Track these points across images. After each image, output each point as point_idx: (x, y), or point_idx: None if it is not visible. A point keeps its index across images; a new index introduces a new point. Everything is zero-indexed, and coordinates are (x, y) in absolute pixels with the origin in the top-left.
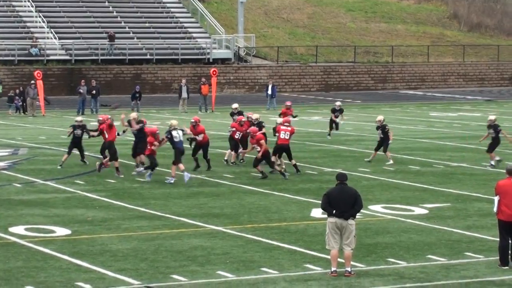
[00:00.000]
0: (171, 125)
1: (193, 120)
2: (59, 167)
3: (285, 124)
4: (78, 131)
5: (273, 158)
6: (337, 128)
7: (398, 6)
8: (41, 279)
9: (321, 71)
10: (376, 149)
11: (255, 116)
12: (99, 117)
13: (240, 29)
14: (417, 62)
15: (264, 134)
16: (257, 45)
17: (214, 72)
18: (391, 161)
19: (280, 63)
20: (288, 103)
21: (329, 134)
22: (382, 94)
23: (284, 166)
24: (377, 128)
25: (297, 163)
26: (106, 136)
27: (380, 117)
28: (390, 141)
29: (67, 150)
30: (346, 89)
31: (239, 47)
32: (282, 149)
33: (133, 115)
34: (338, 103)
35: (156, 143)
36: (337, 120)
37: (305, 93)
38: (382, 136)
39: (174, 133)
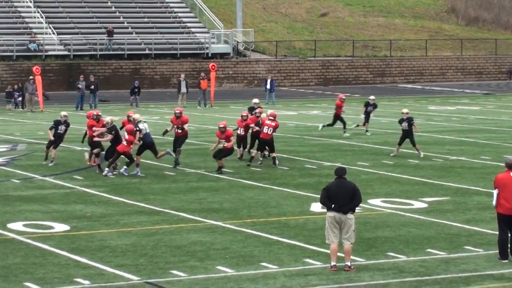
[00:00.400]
0: (134, 119)
1: (177, 111)
2: (50, 164)
3: (270, 118)
4: (62, 127)
5: (253, 153)
6: (367, 121)
7: (396, 0)
8: (40, 275)
9: (320, 65)
10: (400, 143)
11: (263, 115)
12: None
13: (239, 24)
14: (415, 56)
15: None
16: (255, 39)
17: (213, 67)
18: (422, 154)
19: (279, 58)
20: (343, 96)
21: (367, 130)
22: (381, 88)
23: (277, 161)
24: (402, 121)
25: (297, 157)
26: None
27: (406, 110)
28: (416, 132)
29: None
30: (345, 83)
31: (237, 41)
32: (265, 143)
33: (107, 120)
34: (372, 97)
35: (136, 141)
36: (371, 115)
37: (303, 88)
38: (407, 128)
39: (140, 126)
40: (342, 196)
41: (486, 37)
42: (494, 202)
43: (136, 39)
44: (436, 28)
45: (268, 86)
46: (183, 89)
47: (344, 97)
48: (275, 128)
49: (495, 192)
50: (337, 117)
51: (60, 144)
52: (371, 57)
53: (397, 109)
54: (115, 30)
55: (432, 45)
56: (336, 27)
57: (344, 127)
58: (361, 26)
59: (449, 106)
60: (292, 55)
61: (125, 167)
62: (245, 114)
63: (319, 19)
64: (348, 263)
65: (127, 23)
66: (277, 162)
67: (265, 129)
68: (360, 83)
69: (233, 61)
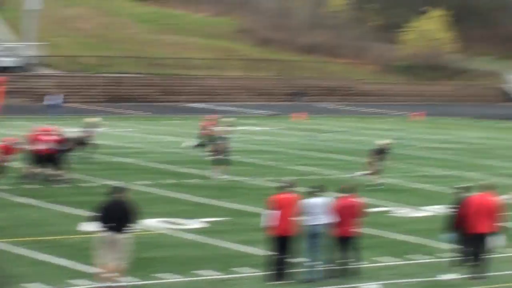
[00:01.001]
0: None
1: None
2: None
3: (46, 133)
4: None
5: (27, 169)
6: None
7: (190, 19)
8: None
9: (109, 82)
10: (219, 163)
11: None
12: None
13: (30, 37)
14: (206, 75)
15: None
16: (46, 53)
17: (1, 81)
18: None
19: (68, 73)
20: (212, 117)
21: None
22: (170, 106)
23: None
24: (219, 139)
25: (77, 176)
26: None
27: (226, 128)
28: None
29: None
30: (135, 100)
31: (27, 55)
32: (42, 158)
33: None
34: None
35: None
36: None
37: (92, 104)
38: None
39: None
40: (117, 215)
41: (276, 58)
42: (265, 223)
43: None
44: (228, 48)
45: (54, 102)
46: None
47: (214, 117)
48: (52, 142)
49: (267, 212)
50: (205, 138)
51: None
52: (162, 75)
53: (187, 128)
54: None
55: (223, 65)
56: (129, 44)
57: (201, 147)
58: (154, 43)
59: (236, 127)
60: (82, 71)
61: None
62: (44, 130)
63: (113, 35)
64: (119, 284)
65: None
66: (56, 178)
67: (41, 145)
68: (149, 100)
69: (21, 75)
